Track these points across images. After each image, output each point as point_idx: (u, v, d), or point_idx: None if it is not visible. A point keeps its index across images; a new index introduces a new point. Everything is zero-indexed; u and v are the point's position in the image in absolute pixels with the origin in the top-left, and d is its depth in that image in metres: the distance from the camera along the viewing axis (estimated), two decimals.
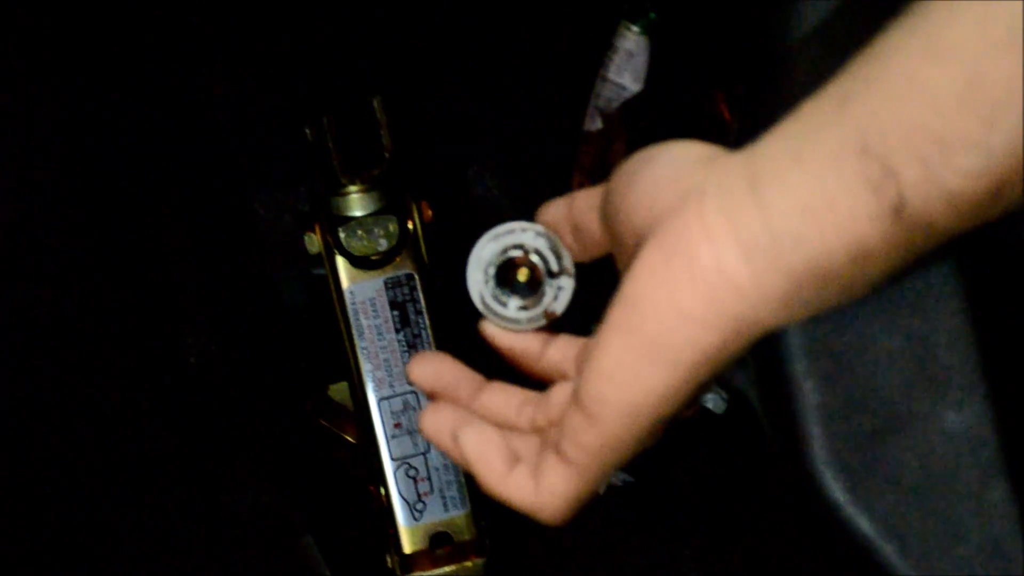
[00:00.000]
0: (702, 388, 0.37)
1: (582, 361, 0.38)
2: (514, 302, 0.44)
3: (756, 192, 0.33)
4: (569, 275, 0.43)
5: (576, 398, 0.37)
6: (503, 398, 0.44)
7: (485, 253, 0.44)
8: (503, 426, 0.44)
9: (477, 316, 0.45)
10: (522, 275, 0.44)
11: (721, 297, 0.33)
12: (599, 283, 0.38)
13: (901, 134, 0.30)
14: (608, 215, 0.39)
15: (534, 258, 0.43)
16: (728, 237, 0.33)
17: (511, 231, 0.44)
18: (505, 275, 0.44)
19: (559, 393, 0.43)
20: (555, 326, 0.44)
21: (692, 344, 0.34)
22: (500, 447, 0.42)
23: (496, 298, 0.44)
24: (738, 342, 0.35)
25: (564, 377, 0.44)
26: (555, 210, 0.44)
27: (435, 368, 0.45)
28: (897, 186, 0.31)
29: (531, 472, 0.41)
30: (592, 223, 0.41)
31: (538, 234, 0.43)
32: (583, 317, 0.43)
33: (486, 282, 0.44)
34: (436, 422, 0.44)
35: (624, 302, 0.35)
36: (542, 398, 0.43)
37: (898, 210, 0.31)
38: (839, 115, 0.32)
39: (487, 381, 0.45)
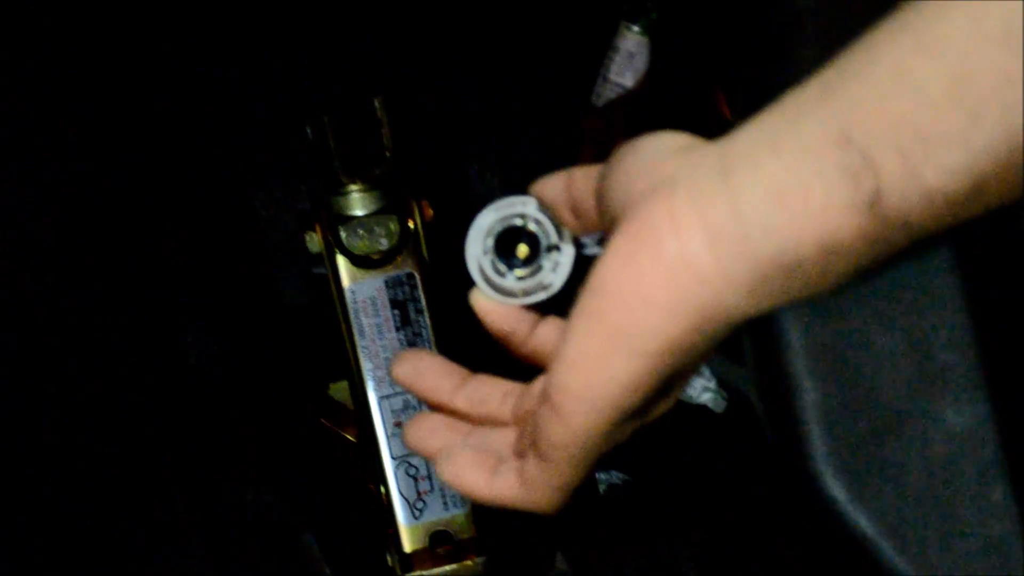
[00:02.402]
0: (669, 382, 0.37)
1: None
2: (512, 273, 0.43)
3: (726, 180, 0.32)
4: (568, 248, 0.43)
5: (544, 390, 0.37)
6: (486, 390, 0.44)
7: (485, 222, 0.43)
8: (486, 420, 0.44)
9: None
10: (522, 245, 0.43)
11: (685, 286, 0.33)
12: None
13: (884, 126, 0.30)
14: (598, 200, 0.39)
15: (535, 228, 0.43)
16: (694, 225, 0.33)
17: (512, 204, 0.43)
18: (504, 246, 0.43)
19: (541, 384, 0.43)
20: (551, 303, 0.44)
21: (656, 333, 0.34)
22: (477, 463, 0.42)
23: (494, 268, 0.43)
24: (704, 333, 0.34)
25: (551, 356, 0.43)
26: (553, 185, 0.43)
27: (414, 366, 0.45)
28: (875, 178, 0.30)
29: (515, 470, 0.41)
30: (589, 202, 0.41)
31: (540, 207, 0.43)
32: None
33: (484, 252, 0.43)
34: (417, 439, 0.45)
35: (591, 290, 0.35)
36: (525, 389, 0.43)
37: (873, 203, 0.31)
38: (821, 104, 0.31)
39: (471, 375, 0.45)
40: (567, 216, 0.43)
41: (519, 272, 0.43)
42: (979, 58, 0.29)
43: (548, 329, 0.44)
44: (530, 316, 0.44)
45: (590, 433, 0.37)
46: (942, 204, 0.30)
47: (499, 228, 0.43)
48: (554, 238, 0.43)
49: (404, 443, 0.45)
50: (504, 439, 0.43)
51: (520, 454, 0.41)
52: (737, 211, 0.32)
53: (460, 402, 0.44)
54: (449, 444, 0.43)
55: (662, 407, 0.42)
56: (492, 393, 0.44)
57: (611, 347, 0.35)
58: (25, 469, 0.67)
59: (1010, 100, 0.29)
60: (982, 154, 0.29)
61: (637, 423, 0.40)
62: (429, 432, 0.45)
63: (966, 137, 0.29)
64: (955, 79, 0.29)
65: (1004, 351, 0.44)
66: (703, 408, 0.76)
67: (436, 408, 0.45)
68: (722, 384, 0.74)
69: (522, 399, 0.43)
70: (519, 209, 0.43)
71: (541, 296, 0.43)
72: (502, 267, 0.43)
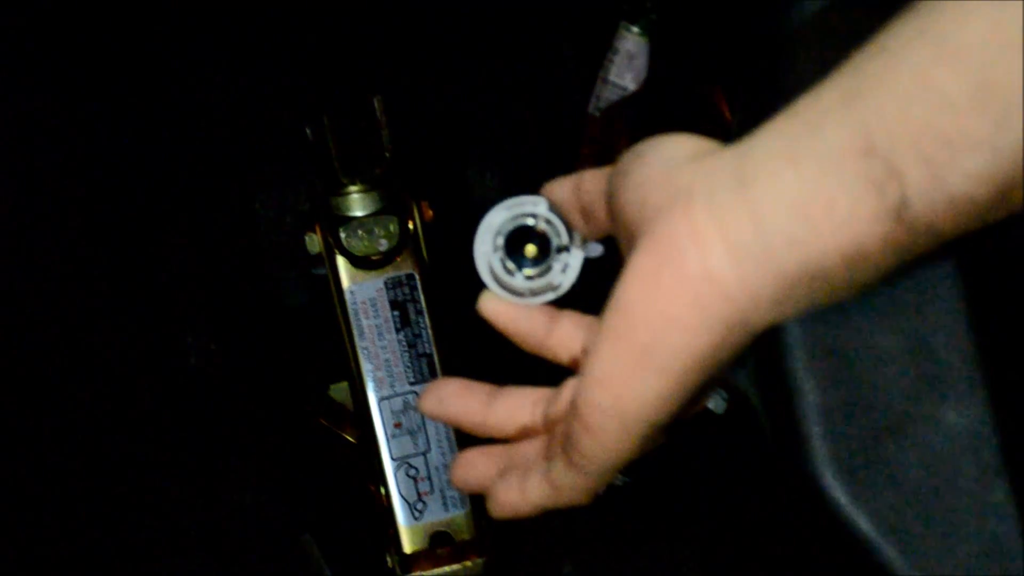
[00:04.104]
0: (697, 393, 0.37)
1: (581, 364, 0.38)
2: (521, 272, 0.43)
3: (745, 191, 0.32)
4: (578, 250, 0.43)
5: (573, 404, 0.37)
6: (515, 402, 0.44)
7: (496, 221, 0.43)
8: (520, 434, 0.44)
9: (477, 314, 0.45)
10: (532, 245, 0.43)
11: (710, 303, 0.33)
12: (610, 264, 0.37)
13: (908, 133, 0.30)
14: (608, 207, 0.39)
15: (545, 228, 0.43)
16: (716, 241, 0.33)
17: (523, 203, 0.43)
18: (514, 245, 0.43)
19: (570, 389, 0.42)
20: (560, 303, 0.44)
21: (682, 351, 0.34)
22: (511, 486, 0.42)
23: (504, 266, 0.43)
24: (728, 346, 0.34)
25: (574, 355, 0.43)
26: (562, 188, 0.43)
27: (438, 396, 0.45)
28: (901, 187, 0.30)
29: (543, 475, 0.41)
30: (599, 206, 0.41)
31: (551, 207, 0.43)
32: (594, 297, 0.43)
33: (495, 250, 0.43)
34: (461, 479, 0.45)
35: (615, 309, 0.35)
36: (554, 395, 0.43)
37: (900, 212, 0.30)
38: (841, 113, 0.31)
39: (497, 390, 0.45)
40: (576, 219, 0.43)
41: (528, 271, 0.43)
42: (1002, 64, 0.29)
43: (568, 326, 0.43)
44: (545, 314, 0.44)
45: (620, 447, 0.37)
46: (968, 210, 0.30)
47: (510, 227, 0.43)
48: (565, 239, 0.43)
49: (454, 485, 0.46)
50: (533, 450, 0.43)
51: (548, 457, 0.41)
52: (759, 225, 0.32)
53: (492, 421, 0.44)
54: (489, 479, 0.44)
55: (687, 415, 0.42)
56: (521, 404, 0.44)
57: (638, 366, 0.35)
58: (25, 469, 0.67)
59: None
60: (1008, 158, 0.29)
61: (666, 432, 0.40)
62: (467, 468, 0.45)
63: (992, 142, 0.29)
64: (979, 86, 0.29)
65: (1004, 351, 0.44)
66: (703, 408, 0.75)
67: (470, 431, 0.45)
68: (722, 385, 0.74)
69: (551, 405, 0.43)
70: (530, 209, 0.43)
71: (550, 296, 0.43)
72: (511, 266, 0.43)
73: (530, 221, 0.43)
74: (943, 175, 0.30)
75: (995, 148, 0.29)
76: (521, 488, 0.42)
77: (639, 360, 0.34)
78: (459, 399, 0.45)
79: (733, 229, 0.32)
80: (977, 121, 0.29)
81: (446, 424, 0.47)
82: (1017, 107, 0.29)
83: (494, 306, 0.44)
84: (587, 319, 0.43)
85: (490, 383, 0.45)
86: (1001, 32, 0.29)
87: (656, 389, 0.35)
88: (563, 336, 0.43)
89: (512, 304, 0.43)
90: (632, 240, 0.35)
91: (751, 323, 0.34)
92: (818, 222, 0.31)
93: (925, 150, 0.30)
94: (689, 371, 0.34)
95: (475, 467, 0.44)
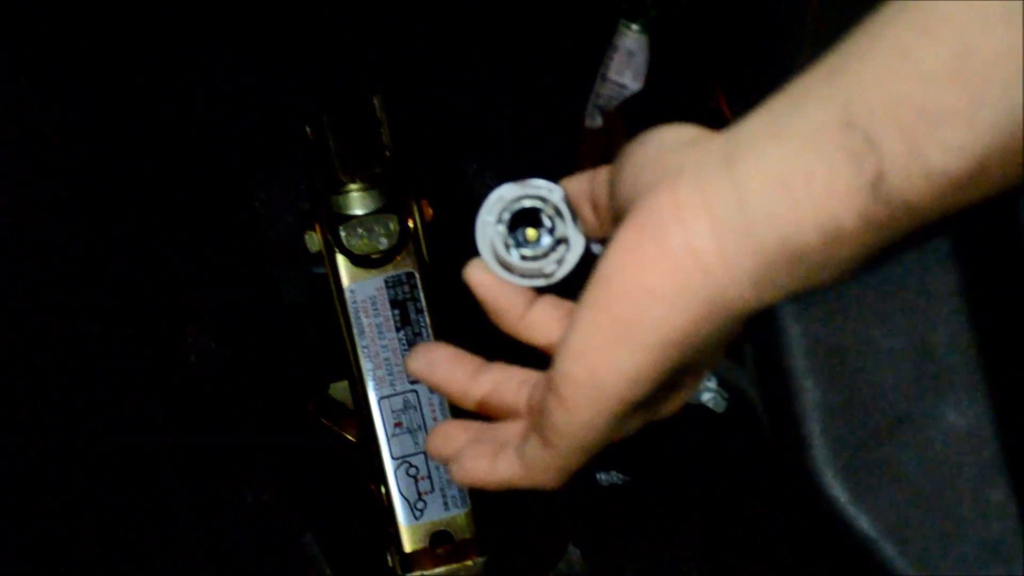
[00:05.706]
0: (674, 376, 0.36)
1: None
2: (517, 251, 0.43)
3: (731, 168, 0.32)
4: (578, 246, 0.43)
5: (549, 377, 0.37)
6: (501, 378, 0.44)
7: (509, 195, 0.43)
8: (502, 411, 0.44)
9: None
10: (533, 229, 0.43)
11: (689, 277, 0.33)
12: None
13: (886, 105, 0.30)
14: (610, 194, 0.39)
15: (552, 215, 0.43)
16: (699, 215, 0.33)
17: (539, 187, 0.43)
18: (518, 224, 0.43)
19: None
20: (550, 290, 0.44)
21: (660, 325, 0.34)
22: (480, 454, 0.42)
23: (503, 240, 0.43)
24: (708, 325, 0.34)
25: (548, 338, 0.43)
26: (576, 185, 0.43)
27: (428, 358, 0.45)
28: (877, 159, 0.30)
29: (515, 451, 0.41)
30: (605, 199, 0.41)
31: (565, 198, 0.43)
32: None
33: (497, 222, 0.43)
34: (435, 447, 0.45)
35: (597, 280, 0.35)
36: (541, 377, 0.43)
37: (876, 185, 0.30)
38: (825, 89, 0.31)
39: (486, 363, 0.45)
40: (588, 212, 0.43)
41: (524, 252, 0.43)
42: (980, 34, 0.29)
43: (542, 309, 0.43)
44: (525, 294, 0.44)
45: (593, 423, 0.37)
46: (945, 185, 0.30)
47: (518, 205, 0.43)
48: (568, 233, 0.43)
49: (428, 454, 0.45)
50: (513, 431, 0.43)
51: (524, 436, 0.41)
52: (741, 199, 0.32)
53: (476, 392, 0.44)
54: (461, 447, 0.43)
55: (672, 405, 0.41)
56: (508, 382, 0.44)
57: (615, 339, 0.34)
58: (25, 469, 0.67)
59: (1012, 74, 0.29)
60: (985, 132, 0.29)
61: (645, 418, 0.40)
62: (444, 438, 0.44)
63: (969, 114, 0.29)
64: (956, 56, 0.29)
65: (1004, 351, 0.43)
66: (703, 408, 0.76)
67: (453, 400, 0.45)
68: (722, 384, 0.74)
69: (536, 388, 0.43)
70: (544, 194, 0.43)
71: (539, 282, 0.43)
72: (510, 242, 0.43)
73: (540, 204, 0.43)
74: (920, 148, 0.30)
75: (972, 120, 0.29)
76: (491, 460, 0.42)
77: (616, 332, 0.34)
78: (447, 364, 0.44)
79: (716, 204, 0.32)
80: (954, 93, 0.29)
81: (430, 388, 0.46)
82: (994, 79, 0.29)
83: (479, 275, 0.43)
84: (566, 303, 0.43)
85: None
86: (982, 2, 0.29)
87: (632, 363, 0.35)
88: (539, 317, 0.43)
89: (497, 278, 0.43)
90: (622, 218, 0.35)
91: (731, 302, 0.33)
92: (797, 196, 0.31)
93: (903, 122, 0.30)
94: (666, 347, 0.34)
95: (451, 438, 0.44)
